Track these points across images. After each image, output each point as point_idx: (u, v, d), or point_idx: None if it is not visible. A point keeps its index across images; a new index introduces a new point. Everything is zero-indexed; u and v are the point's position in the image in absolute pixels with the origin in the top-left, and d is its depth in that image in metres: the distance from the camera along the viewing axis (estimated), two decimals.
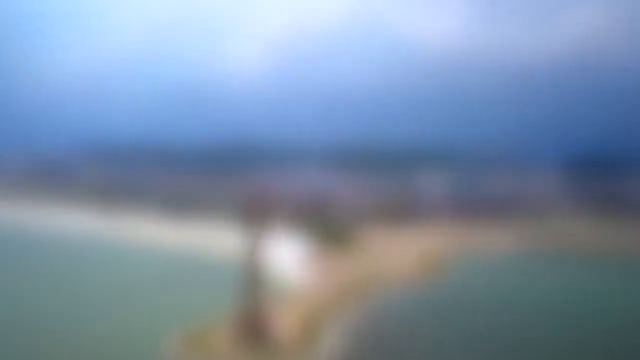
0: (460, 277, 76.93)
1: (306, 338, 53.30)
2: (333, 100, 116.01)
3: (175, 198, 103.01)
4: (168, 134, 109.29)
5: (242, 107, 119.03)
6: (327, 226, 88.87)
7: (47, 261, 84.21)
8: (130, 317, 58.87)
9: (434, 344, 54.48)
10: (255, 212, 55.10)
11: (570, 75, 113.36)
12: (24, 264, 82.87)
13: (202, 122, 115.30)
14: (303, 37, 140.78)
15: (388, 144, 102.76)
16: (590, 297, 70.06)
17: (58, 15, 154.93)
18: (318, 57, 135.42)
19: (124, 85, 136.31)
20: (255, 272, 53.53)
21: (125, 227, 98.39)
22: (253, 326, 52.54)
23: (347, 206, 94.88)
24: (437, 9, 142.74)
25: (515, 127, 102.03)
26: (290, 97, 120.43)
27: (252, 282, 53.40)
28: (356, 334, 55.04)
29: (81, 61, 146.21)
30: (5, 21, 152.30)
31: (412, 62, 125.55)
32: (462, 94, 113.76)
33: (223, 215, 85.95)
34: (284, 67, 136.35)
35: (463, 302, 67.04)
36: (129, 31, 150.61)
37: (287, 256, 75.99)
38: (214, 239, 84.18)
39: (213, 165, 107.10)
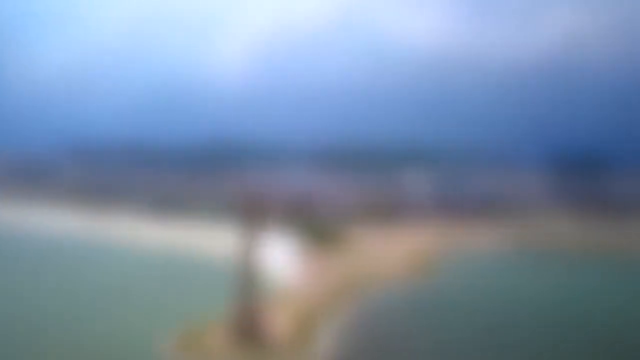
0: (448, 275, 77.24)
1: (300, 338, 53.39)
2: (320, 99, 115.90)
3: (163, 197, 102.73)
4: (153, 132, 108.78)
5: (228, 106, 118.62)
6: (315, 226, 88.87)
7: (35, 262, 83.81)
8: (122, 317, 58.77)
9: (425, 342, 54.69)
10: (249, 212, 55.09)
11: (557, 75, 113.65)
12: (11, 264, 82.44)
13: (188, 120, 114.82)
14: (289, 36, 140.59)
15: (375, 143, 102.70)
16: (578, 296, 70.38)
17: (40, 12, 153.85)
18: (304, 56, 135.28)
19: (108, 84, 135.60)
20: (248, 272, 53.52)
21: (114, 227, 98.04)
22: (247, 326, 52.54)
23: (335, 206, 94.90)
24: (422, 8, 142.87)
25: (501, 126, 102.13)
26: (277, 96, 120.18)
27: (245, 282, 53.38)
28: (349, 333, 55.20)
29: (65, 60, 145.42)
30: None
31: (397, 61, 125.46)
32: (449, 93, 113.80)
33: (212, 215, 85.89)
34: (269, 66, 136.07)
35: (452, 301, 67.36)
36: (112, 30, 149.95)
37: (278, 256, 75.96)
38: (204, 239, 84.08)
39: (198, 164, 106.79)
